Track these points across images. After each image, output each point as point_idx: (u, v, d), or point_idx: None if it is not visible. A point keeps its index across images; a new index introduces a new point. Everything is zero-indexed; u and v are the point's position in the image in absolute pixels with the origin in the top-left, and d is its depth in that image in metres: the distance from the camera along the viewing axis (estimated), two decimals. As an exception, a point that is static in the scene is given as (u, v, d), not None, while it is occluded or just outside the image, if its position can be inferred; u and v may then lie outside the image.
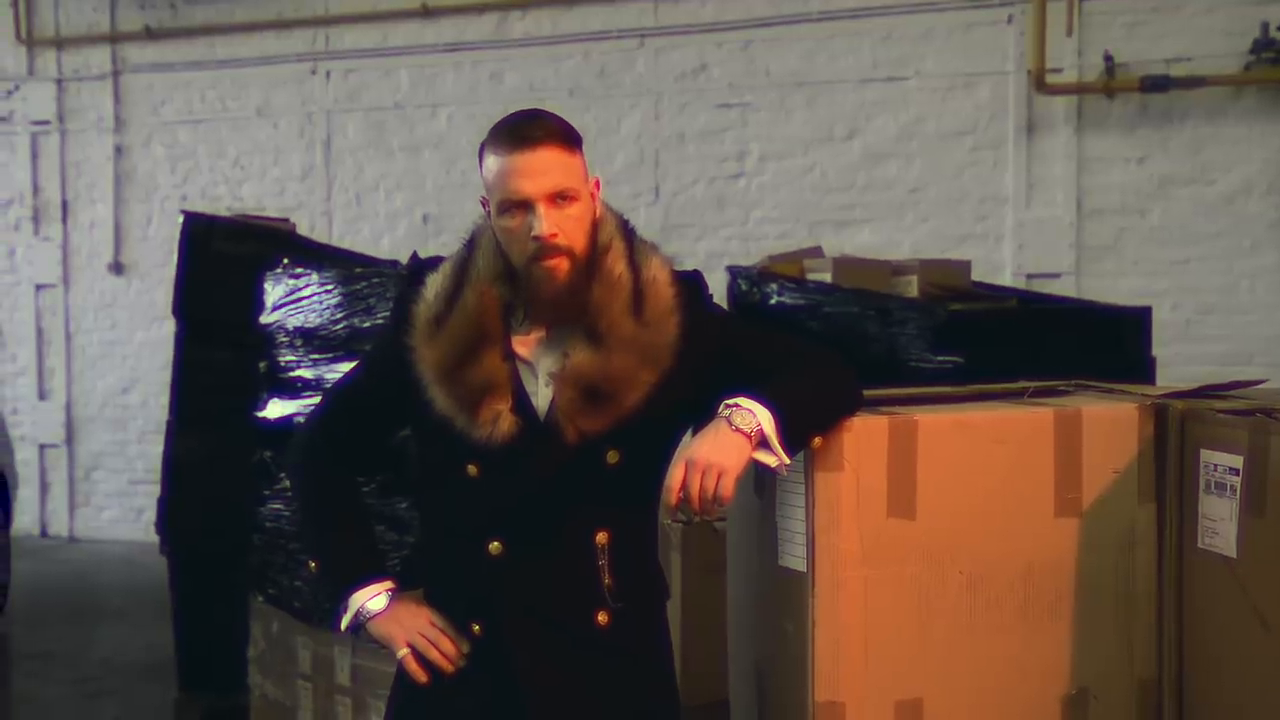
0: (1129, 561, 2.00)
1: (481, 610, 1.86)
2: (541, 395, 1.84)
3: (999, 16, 6.27)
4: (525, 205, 1.77)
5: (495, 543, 1.83)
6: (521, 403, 1.82)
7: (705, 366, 1.84)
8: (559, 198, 1.77)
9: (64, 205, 7.94)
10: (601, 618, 1.85)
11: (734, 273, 4.13)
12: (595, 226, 1.82)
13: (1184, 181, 6.00)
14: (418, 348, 1.84)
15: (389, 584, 1.94)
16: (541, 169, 1.76)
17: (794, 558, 1.90)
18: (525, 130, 1.78)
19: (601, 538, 1.84)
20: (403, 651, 1.89)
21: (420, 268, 1.94)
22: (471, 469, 1.83)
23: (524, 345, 1.85)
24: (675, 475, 1.74)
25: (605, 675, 1.87)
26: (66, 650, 4.56)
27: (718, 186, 6.72)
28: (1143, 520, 2.01)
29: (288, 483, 3.57)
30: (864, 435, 1.87)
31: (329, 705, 3.42)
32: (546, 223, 1.76)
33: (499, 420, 1.80)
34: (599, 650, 1.86)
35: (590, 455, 1.81)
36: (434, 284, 1.86)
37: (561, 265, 1.78)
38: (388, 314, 3.18)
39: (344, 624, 1.96)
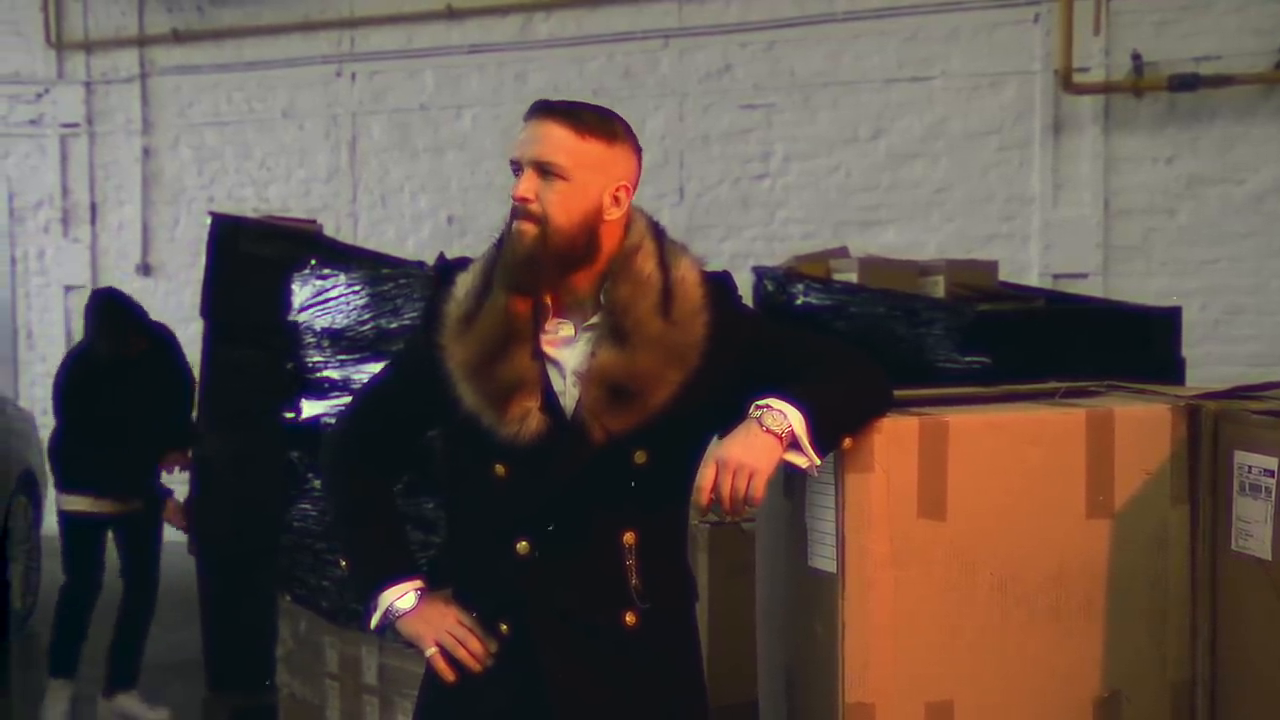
0: (1161, 564, 1.99)
1: (509, 610, 1.86)
2: (569, 395, 1.84)
3: (1025, 16, 6.24)
4: (519, 168, 1.82)
5: (523, 542, 1.83)
6: (550, 401, 1.83)
7: (734, 367, 1.83)
8: (543, 169, 1.79)
9: (92, 207, 8.00)
10: (629, 618, 1.84)
11: (760, 273, 4.12)
12: (593, 219, 1.81)
13: (1213, 181, 5.95)
14: (447, 345, 1.85)
15: (418, 583, 1.95)
16: (535, 137, 1.81)
17: (824, 559, 1.90)
18: (545, 103, 1.84)
19: (629, 538, 1.84)
20: (431, 650, 1.90)
21: (449, 268, 1.95)
22: (499, 469, 1.83)
23: (552, 344, 1.85)
24: (706, 476, 1.74)
25: (632, 676, 1.86)
26: (95, 649, 4.60)
27: (742, 187, 6.72)
28: (1175, 522, 1.99)
29: (319, 482, 3.59)
30: (894, 436, 1.86)
31: (356, 704, 3.43)
32: (523, 185, 1.80)
33: (527, 418, 1.80)
34: (626, 651, 1.85)
35: (617, 455, 1.81)
36: (464, 283, 1.88)
37: (528, 230, 1.80)
38: (416, 315, 3.20)
39: (373, 622, 1.97)
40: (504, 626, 1.87)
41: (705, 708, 1.98)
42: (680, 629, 1.94)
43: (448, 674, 1.88)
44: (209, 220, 4.51)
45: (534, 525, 1.83)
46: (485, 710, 1.89)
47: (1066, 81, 6.06)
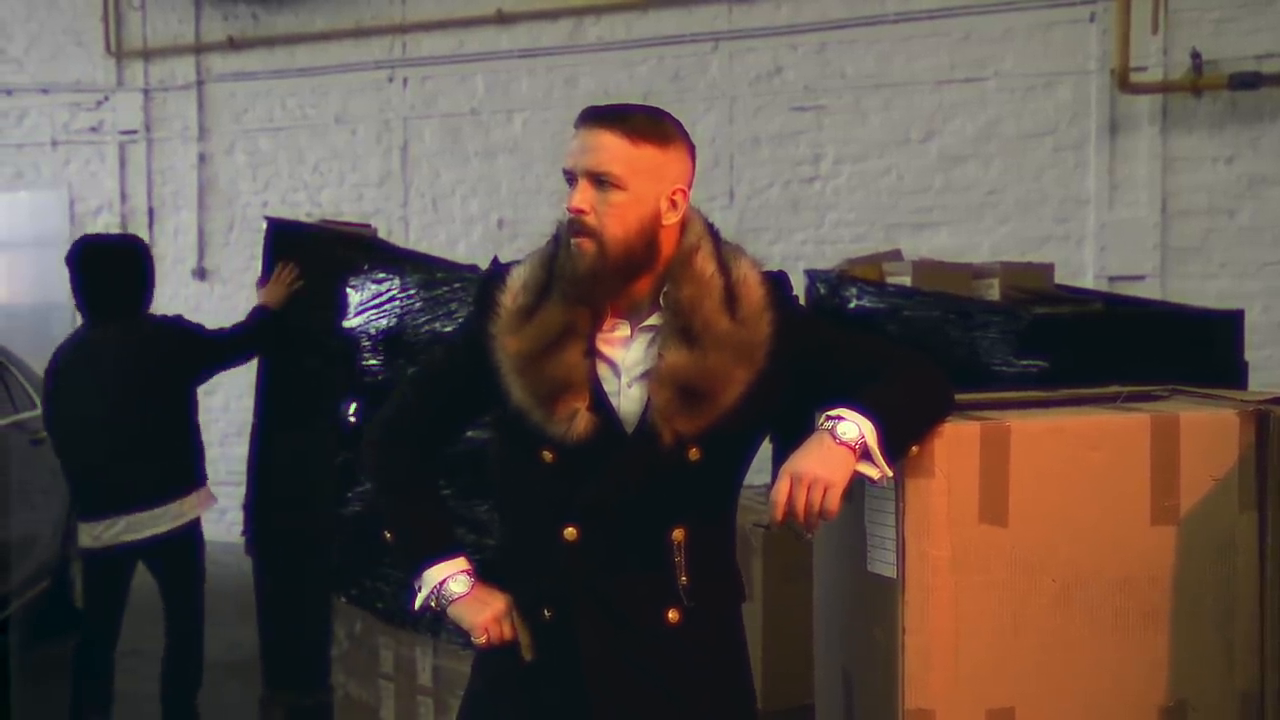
0: (1229, 571, 1.96)
1: (553, 596, 1.85)
2: (625, 396, 1.83)
3: (1080, 15, 6.16)
4: (573, 179, 1.80)
5: (571, 529, 1.82)
6: (600, 401, 1.82)
7: (793, 367, 1.82)
8: (598, 180, 1.78)
9: (150, 213, 8.13)
10: (673, 615, 1.83)
11: (812, 276, 4.10)
12: (650, 225, 1.79)
13: (1274, 181, 5.84)
14: (500, 336, 1.84)
15: (464, 563, 1.93)
16: (587, 147, 1.79)
17: (884, 564, 1.88)
18: (595, 110, 1.82)
19: (678, 535, 1.83)
20: (481, 639, 1.88)
21: (504, 268, 1.94)
22: (547, 454, 1.82)
23: (608, 344, 1.84)
24: (781, 490, 1.72)
25: (673, 673, 1.85)
26: (155, 649, 4.65)
27: (793, 190, 6.69)
28: (1243, 528, 1.96)
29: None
30: (956, 441, 1.84)
31: (411, 705, 3.45)
32: (577, 197, 1.78)
33: (575, 419, 1.80)
34: (668, 648, 1.84)
35: (672, 451, 1.80)
36: (520, 275, 1.86)
37: (587, 246, 1.78)
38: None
39: (418, 601, 1.93)
40: (547, 612, 1.86)
41: (751, 711, 1.95)
42: (726, 630, 1.92)
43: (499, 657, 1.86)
44: (264, 224, 4.56)
45: (583, 512, 1.82)
46: (528, 697, 1.88)
47: (1123, 81, 5.98)
